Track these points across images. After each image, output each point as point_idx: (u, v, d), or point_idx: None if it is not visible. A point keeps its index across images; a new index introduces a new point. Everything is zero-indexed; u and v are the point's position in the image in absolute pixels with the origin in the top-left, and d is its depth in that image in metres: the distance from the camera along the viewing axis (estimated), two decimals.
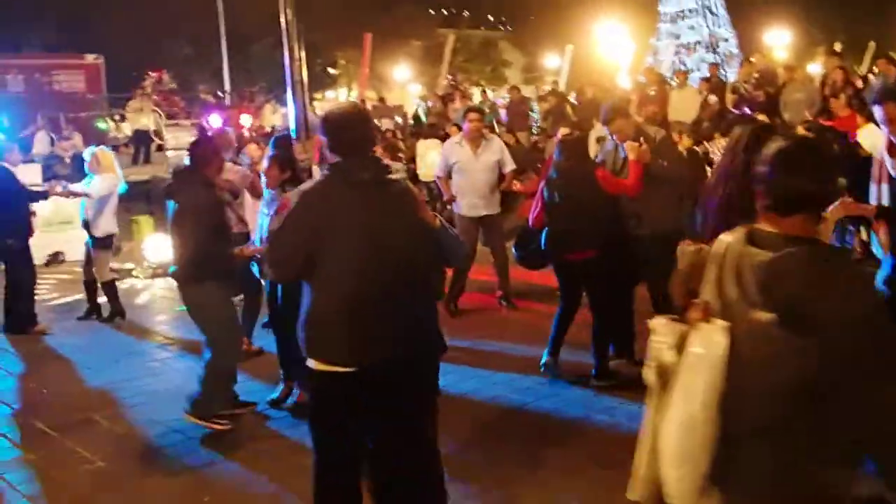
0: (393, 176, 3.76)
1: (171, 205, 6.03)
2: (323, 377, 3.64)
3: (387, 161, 3.86)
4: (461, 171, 8.91)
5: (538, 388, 6.52)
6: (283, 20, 9.82)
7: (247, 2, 25.98)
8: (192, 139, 8.42)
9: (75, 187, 9.51)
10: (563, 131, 9.30)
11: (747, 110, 12.95)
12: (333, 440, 3.75)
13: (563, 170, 6.54)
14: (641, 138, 6.43)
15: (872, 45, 19.09)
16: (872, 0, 37.83)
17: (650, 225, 6.37)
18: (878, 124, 5.32)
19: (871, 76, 14.11)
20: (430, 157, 13.66)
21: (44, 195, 9.71)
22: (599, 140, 6.47)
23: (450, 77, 26.78)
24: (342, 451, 3.76)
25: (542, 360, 6.68)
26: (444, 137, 13.26)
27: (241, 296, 7.68)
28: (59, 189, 9.80)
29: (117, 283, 9.72)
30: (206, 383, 6.00)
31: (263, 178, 6.62)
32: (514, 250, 6.92)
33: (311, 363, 3.67)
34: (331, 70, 38.80)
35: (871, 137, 10.51)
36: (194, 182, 5.95)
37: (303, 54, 9.59)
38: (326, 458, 3.78)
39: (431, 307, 3.92)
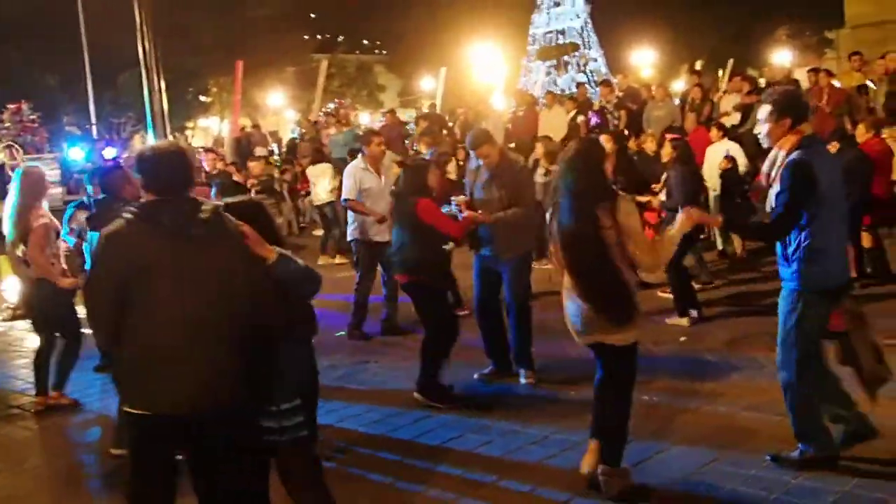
0: (204, 216, 3.52)
1: (93, 235, 5.79)
2: (130, 419, 3.56)
3: (201, 199, 3.63)
4: (372, 196, 8.77)
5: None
6: (140, 50, 9.51)
7: (113, 32, 25.36)
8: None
9: None
10: (395, 159, 9.51)
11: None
12: (145, 488, 3.65)
13: (395, 195, 6.81)
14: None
15: (731, 62, 19.88)
16: (735, 21, 39.75)
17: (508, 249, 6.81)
18: None
19: (726, 94, 14.74)
20: (322, 184, 14.06)
21: None
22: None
23: (336, 102, 26.71)
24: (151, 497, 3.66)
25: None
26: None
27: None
28: None
29: None
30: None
31: None
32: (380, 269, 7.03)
33: (124, 406, 3.62)
34: (203, 98, 38.17)
35: (716, 154, 11.11)
36: (117, 210, 5.75)
37: (163, 84, 9.35)
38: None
39: (258, 355, 3.65)
